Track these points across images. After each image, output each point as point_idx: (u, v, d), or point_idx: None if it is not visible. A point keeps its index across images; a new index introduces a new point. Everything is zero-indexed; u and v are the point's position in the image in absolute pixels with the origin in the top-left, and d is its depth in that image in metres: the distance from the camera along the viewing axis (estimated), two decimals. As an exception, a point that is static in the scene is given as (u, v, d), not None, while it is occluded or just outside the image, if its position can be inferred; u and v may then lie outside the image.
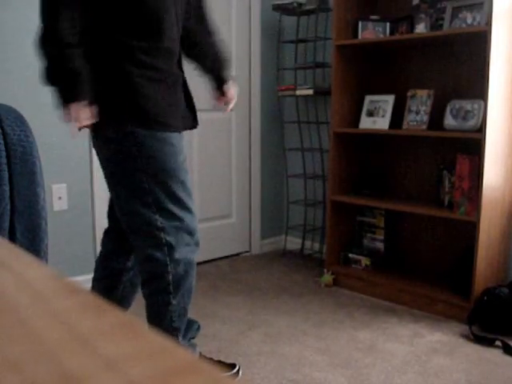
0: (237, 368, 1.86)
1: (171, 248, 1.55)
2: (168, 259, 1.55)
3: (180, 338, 1.66)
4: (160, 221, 1.53)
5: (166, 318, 1.61)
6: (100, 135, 1.53)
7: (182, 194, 1.56)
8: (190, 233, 1.59)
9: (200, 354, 1.87)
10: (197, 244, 1.63)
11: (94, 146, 1.58)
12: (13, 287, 0.36)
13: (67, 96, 1.42)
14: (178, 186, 1.55)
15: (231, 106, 1.89)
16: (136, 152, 1.49)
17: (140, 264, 1.61)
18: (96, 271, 1.80)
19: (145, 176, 1.50)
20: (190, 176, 3.06)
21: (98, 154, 1.58)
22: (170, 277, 1.57)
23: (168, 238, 1.54)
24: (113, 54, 1.47)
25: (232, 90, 1.85)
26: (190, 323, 1.75)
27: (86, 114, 1.43)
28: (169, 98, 1.54)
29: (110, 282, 1.77)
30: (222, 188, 3.27)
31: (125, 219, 1.58)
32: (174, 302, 1.60)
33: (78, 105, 1.41)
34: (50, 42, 1.39)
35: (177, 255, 1.56)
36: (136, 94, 1.48)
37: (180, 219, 1.56)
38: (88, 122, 1.45)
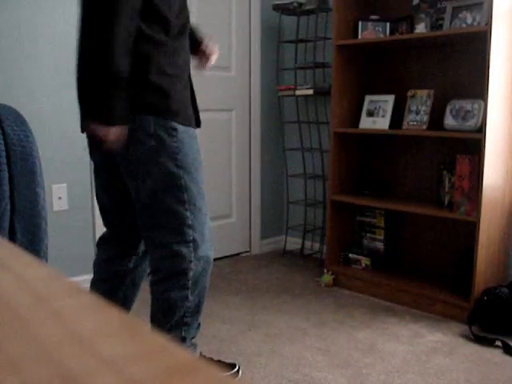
0: (237, 367, 1.86)
1: (196, 245, 1.57)
2: (192, 256, 1.57)
3: (187, 335, 1.66)
4: (191, 218, 1.55)
5: (179, 312, 1.61)
6: (135, 132, 1.48)
7: (203, 191, 1.59)
8: (209, 228, 1.62)
9: (200, 353, 1.87)
10: (211, 241, 1.65)
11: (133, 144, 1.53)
12: (13, 287, 0.36)
13: (106, 117, 1.38)
14: (202, 183, 1.58)
15: (213, 61, 1.81)
16: (176, 148, 1.50)
17: (160, 260, 1.59)
18: (97, 274, 1.79)
19: (182, 172, 1.52)
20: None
21: (125, 152, 1.51)
22: (191, 273, 1.58)
23: (195, 235, 1.56)
24: (147, 49, 1.46)
25: (211, 44, 1.78)
26: None
27: (116, 135, 1.42)
28: (189, 95, 1.58)
29: (112, 284, 1.77)
30: (222, 188, 3.27)
31: (151, 216, 1.56)
32: (191, 297, 1.61)
33: (112, 127, 1.39)
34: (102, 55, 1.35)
35: (200, 252, 1.58)
36: (175, 90, 1.49)
37: (205, 215, 1.59)
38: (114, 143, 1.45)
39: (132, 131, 1.48)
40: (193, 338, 1.74)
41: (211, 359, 1.91)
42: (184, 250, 1.56)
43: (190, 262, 1.57)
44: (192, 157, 1.54)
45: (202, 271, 1.61)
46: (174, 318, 1.62)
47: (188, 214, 1.54)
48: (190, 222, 1.55)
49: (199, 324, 1.77)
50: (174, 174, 1.51)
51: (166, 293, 1.61)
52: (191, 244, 1.56)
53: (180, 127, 1.50)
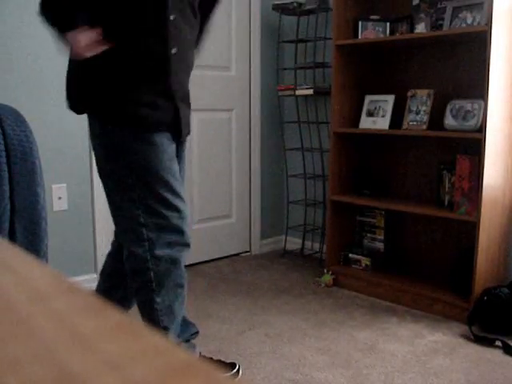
0: (237, 368, 1.86)
1: (152, 244, 1.54)
2: (148, 255, 1.54)
3: (171, 338, 1.65)
4: (142, 216, 1.52)
5: (154, 317, 1.61)
6: (92, 130, 1.56)
7: (166, 194, 1.54)
8: (177, 232, 1.57)
9: (200, 353, 1.87)
10: (185, 244, 1.60)
11: (90, 140, 1.61)
12: (13, 287, 0.36)
13: (62, 25, 1.44)
14: (161, 186, 1.53)
15: None
16: (119, 148, 1.51)
17: (125, 260, 1.62)
18: (103, 268, 1.83)
19: (129, 172, 1.51)
20: (190, 176, 3.06)
21: (93, 148, 1.61)
22: (152, 274, 1.56)
23: (150, 234, 1.53)
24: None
25: None
26: (186, 324, 1.74)
27: (85, 39, 1.43)
28: (152, 97, 1.52)
29: (114, 281, 1.79)
30: (222, 188, 3.27)
31: (111, 212, 1.60)
32: (158, 299, 1.58)
33: (74, 33, 1.43)
34: None
35: (157, 252, 1.55)
36: (116, 92, 1.49)
37: (164, 217, 1.54)
38: (93, 49, 1.44)
39: (90, 129, 1.57)
40: (187, 340, 1.74)
41: (211, 359, 1.91)
42: (139, 249, 1.54)
43: (147, 261, 1.54)
44: (141, 158, 1.50)
45: (166, 271, 1.57)
46: (148, 318, 1.62)
47: (139, 212, 1.52)
48: (142, 220, 1.52)
49: (197, 331, 1.77)
50: (122, 172, 1.52)
51: (137, 294, 1.62)
52: (146, 243, 1.53)
53: (118, 129, 1.50)
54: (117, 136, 1.50)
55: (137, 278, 1.58)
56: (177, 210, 1.56)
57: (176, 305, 1.63)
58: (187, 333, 1.73)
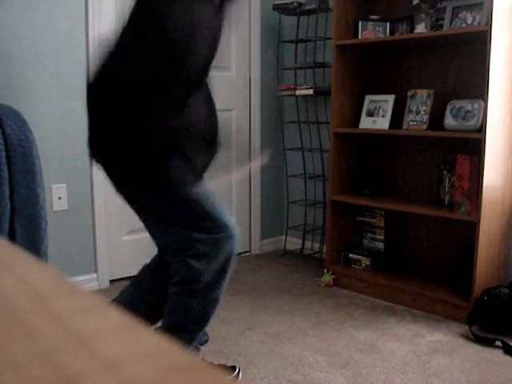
0: (237, 370, 1.86)
1: (207, 257, 1.56)
2: (203, 268, 1.56)
3: (188, 343, 1.65)
4: (196, 233, 1.55)
5: (180, 316, 1.61)
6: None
7: (205, 205, 1.57)
8: (224, 227, 1.59)
9: (203, 358, 1.87)
10: (233, 232, 1.62)
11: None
12: (13, 287, 0.36)
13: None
14: (195, 201, 1.56)
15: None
16: (151, 195, 1.56)
17: (175, 267, 1.62)
18: (137, 282, 1.83)
19: (161, 203, 1.55)
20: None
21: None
22: (201, 285, 1.57)
23: (205, 249, 1.55)
24: None
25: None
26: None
27: None
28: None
29: (145, 297, 1.79)
30: (222, 188, 3.26)
31: (160, 242, 1.64)
32: (197, 307, 1.59)
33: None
34: None
35: (214, 266, 1.57)
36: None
37: (212, 231, 1.57)
38: None
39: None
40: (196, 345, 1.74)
41: (211, 363, 1.91)
42: (193, 261, 1.56)
43: (200, 274, 1.57)
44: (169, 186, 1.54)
45: (215, 284, 1.59)
46: (173, 319, 1.62)
47: (191, 232, 1.55)
48: (197, 236, 1.55)
49: (207, 340, 1.77)
50: (157, 206, 1.56)
51: (175, 296, 1.62)
52: (203, 258, 1.56)
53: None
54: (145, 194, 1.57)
55: (185, 285, 1.59)
56: (218, 211, 1.59)
57: (210, 317, 1.65)
58: (198, 340, 1.73)
